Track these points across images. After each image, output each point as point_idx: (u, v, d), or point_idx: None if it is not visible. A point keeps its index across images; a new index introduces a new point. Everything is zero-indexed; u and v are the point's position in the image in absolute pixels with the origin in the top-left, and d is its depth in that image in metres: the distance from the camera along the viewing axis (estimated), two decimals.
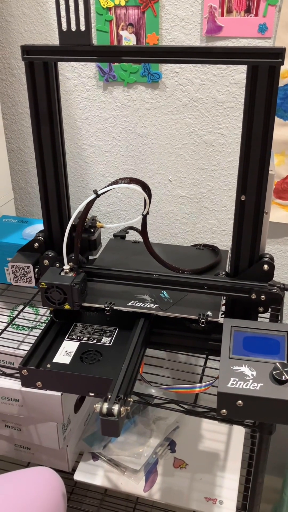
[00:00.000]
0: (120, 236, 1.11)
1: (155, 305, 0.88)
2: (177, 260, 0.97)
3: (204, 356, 0.93)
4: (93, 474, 1.16)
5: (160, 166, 1.18)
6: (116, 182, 0.81)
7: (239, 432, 1.23)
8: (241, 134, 0.75)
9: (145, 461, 1.16)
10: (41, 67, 0.76)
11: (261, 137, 0.73)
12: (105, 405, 0.70)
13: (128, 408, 0.71)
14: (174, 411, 0.86)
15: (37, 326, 1.10)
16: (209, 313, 0.86)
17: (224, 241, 1.22)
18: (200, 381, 0.88)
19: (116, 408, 0.69)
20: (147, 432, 1.22)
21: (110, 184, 0.80)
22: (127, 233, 1.12)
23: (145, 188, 0.84)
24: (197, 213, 1.21)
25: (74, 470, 1.18)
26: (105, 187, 0.80)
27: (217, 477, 1.14)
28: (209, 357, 0.93)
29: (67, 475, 1.20)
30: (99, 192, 0.80)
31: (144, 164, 1.19)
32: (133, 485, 1.13)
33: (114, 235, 1.12)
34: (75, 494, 1.35)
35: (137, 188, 0.83)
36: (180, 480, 1.13)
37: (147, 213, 0.87)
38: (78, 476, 1.15)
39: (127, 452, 1.18)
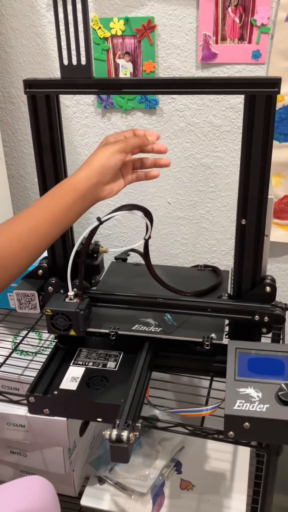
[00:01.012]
0: (121, 258, 1.13)
1: (159, 329, 0.89)
2: (179, 282, 0.98)
3: (209, 378, 0.94)
4: (99, 498, 1.15)
5: (159, 189, 1.20)
6: (119, 209, 0.82)
7: (244, 451, 1.23)
8: (240, 160, 0.77)
9: (152, 483, 1.16)
10: (43, 100, 0.79)
11: (259, 162, 0.75)
12: (114, 432, 0.70)
13: (137, 433, 0.71)
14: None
15: (41, 351, 1.10)
16: (213, 335, 0.87)
17: (224, 261, 1.24)
18: (206, 403, 0.89)
19: (125, 434, 0.70)
20: (152, 454, 1.22)
21: (113, 211, 0.82)
22: (128, 255, 1.14)
23: (147, 214, 0.85)
24: (196, 234, 1.23)
25: (80, 494, 1.17)
26: (108, 214, 0.82)
27: (224, 498, 1.14)
28: (214, 379, 0.93)
29: (73, 500, 1.20)
30: (102, 220, 0.82)
31: (144, 188, 1.21)
32: (141, 509, 1.12)
33: (116, 258, 1.13)
34: None
35: (139, 213, 0.84)
36: (188, 502, 1.13)
37: (149, 237, 0.89)
38: (84, 501, 1.15)
39: (134, 475, 1.17)
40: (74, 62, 0.74)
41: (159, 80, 0.77)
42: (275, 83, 0.70)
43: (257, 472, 1.23)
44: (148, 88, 0.74)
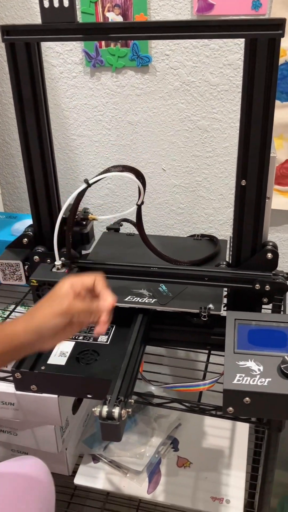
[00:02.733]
0: (114, 229, 1.07)
1: (154, 300, 0.83)
2: (175, 252, 0.93)
3: (207, 351, 0.89)
4: (94, 477, 1.11)
5: (153, 155, 1.13)
6: (108, 170, 0.76)
7: (243, 427, 1.19)
8: (240, 115, 0.70)
9: (148, 461, 1.12)
10: (23, 48, 0.71)
11: (261, 116, 0.69)
12: (105, 408, 0.65)
13: (130, 410, 0.66)
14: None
15: None
16: (210, 306, 0.81)
17: (222, 231, 1.18)
18: (204, 378, 0.84)
19: (116, 411, 0.65)
20: (148, 431, 1.18)
21: (101, 173, 0.76)
22: (121, 225, 1.08)
23: (139, 176, 0.79)
24: (192, 203, 1.17)
25: (74, 473, 1.14)
26: (96, 176, 0.75)
27: (223, 475, 1.10)
28: (212, 352, 0.89)
29: (67, 479, 1.16)
30: (90, 182, 0.75)
31: (136, 154, 1.14)
32: (136, 487, 1.08)
33: (108, 228, 1.07)
34: (76, 497, 1.31)
35: (131, 176, 0.78)
36: (185, 480, 1.09)
37: (142, 202, 0.83)
38: (78, 480, 1.11)
39: (129, 453, 1.13)
40: (56, 4, 0.67)
41: (150, 24, 0.70)
42: (279, 24, 0.63)
43: (256, 448, 1.20)
44: (138, 33, 0.67)
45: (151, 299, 0.84)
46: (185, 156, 1.11)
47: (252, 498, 1.15)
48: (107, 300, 0.66)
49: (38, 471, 0.91)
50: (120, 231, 1.07)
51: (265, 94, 0.67)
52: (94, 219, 0.88)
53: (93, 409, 0.66)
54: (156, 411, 1.22)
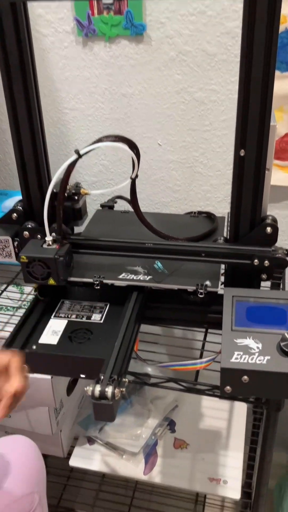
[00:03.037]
0: (108, 206, 1.03)
1: (149, 277, 0.81)
2: (171, 229, 0.90)
3: (204, 329, 0.86)
4: (89, 459, 1.10)
5: (148, 128, 1.09)
6: (100, 140, 0.72)
7: (241, 408, 1.18)
8: (238, 83, 0.66)
9: (144, 443, 1.10)
10: (8, 9, 0.67)
11: (261, 81, 0.65)
12: (97, 388, 0.63)
13: (123, 389, 0.64)
14: (172, 390, 0.79)
15: (23, 306, 1.02)
16: (207, 283, 0.78)
17: (220, 209, 1.14)
18: (201, 357, 0.81)
19: (109, 390, 0.62)
20: (144, 413, 1.16)
21: (93, 143, 0.72)
22: (115, 202, 1.04)
23: (133, 147, 0.75)
24: (189, 179, 1.13)
25: (70, 455, 1.12)
26: (88, 145, 0.72)
27: (220, 456, 1.09)
28: (209, 330, 0.86)
29: (62, 461, 1.15)
30: (81, 152, 0.72)
31: (131, 127, 1.10)
32: (132, 469, 1.07)
33: (102, 205, 1.04)
34: (72, 479, 1.30)
35: (124, 147, 0.74)
36: (182, 461, 1.08)
37: (136, 176, 0.79)
38: (73, 462, 1.09)
39: (125, 435, 1.12)
40: None
41: None
42: None
43: (254, 429, 1.18)
44: None
45: (146, 277, 0.81)
46: (182, 130, 1.07)
47: (250, 478, 1.14)
48: (13, 385, 0.61)
49: (26, 448, 0.90)
50: (115, 209, 1.04)
51: (265, 56, 0.63)
52: (86, 194, 0.85)
53: (85, 388, 0.63)
54: (152, 393, 1.20)
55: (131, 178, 0.80)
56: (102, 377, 0.64)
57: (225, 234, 0.91)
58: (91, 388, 0.63)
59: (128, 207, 0.94)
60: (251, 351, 0.66)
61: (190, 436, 1.13)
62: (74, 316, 0.81)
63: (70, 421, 1.14)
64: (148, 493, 1.27)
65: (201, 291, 0.76)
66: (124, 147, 0.74)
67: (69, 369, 0.76)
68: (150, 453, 1.10)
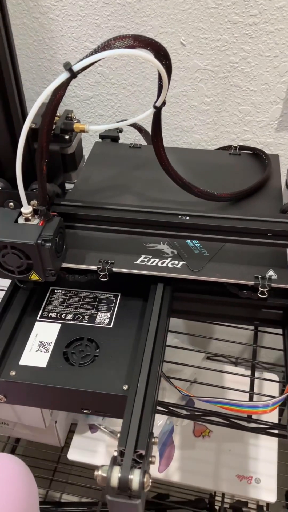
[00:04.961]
0: (110, 137, 0.73)
1: (181, 263, 0.54)
2: (203, 175, 0.62)
3: (253, 327, 0.62)
4: (91, 450, 0.91)
5: (167, 19, 0.75)
6: (106, 46, 0.41)
7: (272, 386, 0.97)
8: None
9: (159, 431, 0.91)
10: None
11: None
12: (116, 472, 0.39)
13: (151, 478, 0.40)
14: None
15: None
16: (271, 274, 0.52)
17: (262, 137, 0.84)
18: (253, 371, 0.58)
19: (136, 477, 0.38)
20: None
21: (94, 51, 0.41)
22: (121, 131, 0.74)
23: (162, 56, 0.44)
24: (223, 95, 0.81)
25: (68, 443, 0.93)
26: (85, 57, 0.41)
27: (250, 446, 0.90)
28: (259, 328, 0.62)
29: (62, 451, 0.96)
30: (75, 69, 0.41)
31: (142, 18, 0.76)
32: None
33: (101, 136, 0.74)
34: (74, 476, 1.08)
35: (147, 55, 0.43)
36: (204, 453, 0.89)
37: (163, 103, 0.49)
38: (72, 455, 0.90)
39: None
40: None
41: None
42: None
43: None
44: None
45: (176, 262, 0.54)
46: (216, 22, 0.74)
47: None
48: None
49: (13, 472, 0.70)
50: (120, 141, 0.74)
51: None
52: (82, 131, 0.55)
53: (95, 473, 0.40)
54: (165, 366, 0.99)
55: (155, 106, 0.50)
56: (122, 451, 0.40)
57: (283, 184, 0.64)
58: (102, 473, 0.39)
59: (136, 138, 0.65)
60: None
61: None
62: (70, 316, 0.56)
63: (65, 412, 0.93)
64: (166, 490, 1.09)
65: (264, 290, 0.50)
66: (148, 55, 0.43)
67: (66, 404, 0.52)
68: (165, 443, 0.91)
